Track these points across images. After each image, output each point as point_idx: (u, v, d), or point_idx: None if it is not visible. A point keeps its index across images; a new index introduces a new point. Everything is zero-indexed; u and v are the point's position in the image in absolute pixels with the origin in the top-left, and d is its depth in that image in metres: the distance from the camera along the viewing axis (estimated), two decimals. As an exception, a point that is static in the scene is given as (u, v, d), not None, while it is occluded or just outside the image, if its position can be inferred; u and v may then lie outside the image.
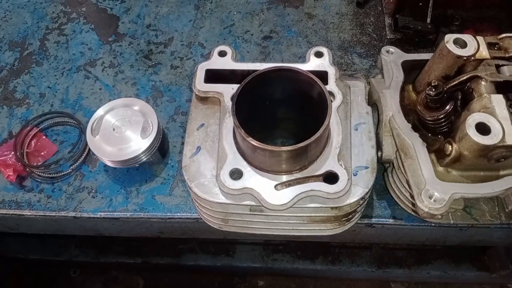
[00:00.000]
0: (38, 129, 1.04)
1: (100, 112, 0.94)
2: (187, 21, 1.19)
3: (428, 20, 1.07)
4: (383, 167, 0.88)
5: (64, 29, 1.21)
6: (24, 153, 1.01)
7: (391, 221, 0.91)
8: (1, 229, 1.07)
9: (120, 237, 1.52)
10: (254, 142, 0.71)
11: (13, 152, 0.99)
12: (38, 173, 0.98)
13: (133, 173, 0.97)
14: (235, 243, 1.53)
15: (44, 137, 1.03)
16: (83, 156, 1.00)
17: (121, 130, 0.92)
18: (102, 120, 0.93)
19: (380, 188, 0.92)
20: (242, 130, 0.71)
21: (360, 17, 1.17)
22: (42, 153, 1.01)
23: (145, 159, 0.92)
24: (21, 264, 1.60)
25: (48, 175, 0.98)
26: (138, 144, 0.90)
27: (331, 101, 0.72)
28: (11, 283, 1.61)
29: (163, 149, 0.97)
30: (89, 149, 0.97)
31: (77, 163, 0.99)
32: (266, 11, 1.20)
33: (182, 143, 1.00)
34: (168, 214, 0.94)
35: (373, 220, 0.91)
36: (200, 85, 0.87)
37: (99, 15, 1.22)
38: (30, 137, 1.03)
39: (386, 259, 1.47)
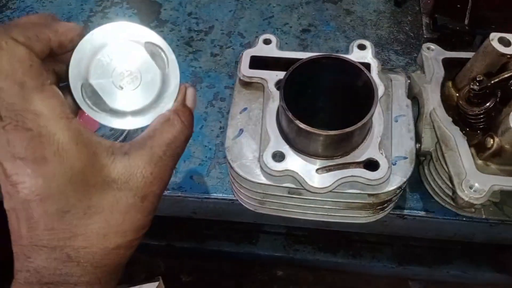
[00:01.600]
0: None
1: (86, 46, 0.52)
2: (227, 11, 1.23)
3: (466, 22, 1.09)
4: (418, 161, 0.90)
5: (108, 13, 1.25)
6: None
7: (422, 213, 0.93)
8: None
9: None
10: (301, 125, 0.74)
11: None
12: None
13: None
14: (258, 231, 1.56)
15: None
16: (123, 134, 1.03)
17: (125, 81, 0.53)
18: (92, 62, 0.52)
19: (414, 182, 0.94)
20: (290, 112, 0.74)
21: (397, 16, 1.19)
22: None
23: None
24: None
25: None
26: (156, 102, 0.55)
27: (377, 90, 0.75)
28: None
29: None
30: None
31: (119, 140, 1.02)
32: (305, 5, 1.22)
33: (220, 128, 1.04)
34: (204, 194, 0.97)
35: (405, 211, 0.93)
36: (245, 70, 0.90)
37: (142, 1, 1.26)
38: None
39: (407, 256, 1.49)
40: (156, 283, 1.24)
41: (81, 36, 0.51)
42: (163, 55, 0.56)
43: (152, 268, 1.71)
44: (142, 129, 0.53)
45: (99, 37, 0.53)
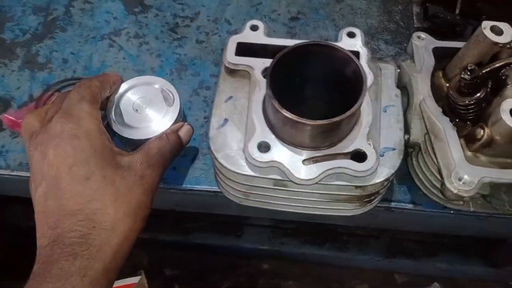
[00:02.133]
0: (59, 94, 1.04)
1: (120, 89, 0.90)
2: (214, -3, 1.19)
3: (457, 12, 1.07)
4: (406, 152, 0.88)
5: (90, -2, 1.20)
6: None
7: (410, 206, 0.91)
8: (16, 193, 1.07)
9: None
10: (288, 114, 0.71)
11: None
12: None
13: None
14: (244, 224, 1.54)
15: None
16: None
17: (142, 109, 0.88)
18: (123, 97, 0.89)
19: (401, 174, 0.92)
20: (276, 101, 0.72)
21: (388, 4, 1.17)
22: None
23: None
24: (24, 234, 1.60)
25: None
26: (158, 124, 0.87)
27: (366, 79, 0.72)
28: (10, 252, 1.61)
29: None
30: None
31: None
32: (294, -8, 1.19)
33: (205, 117, 1.01)
34: (188, 186, 0.94)
35: (393, 204, 0.92)
36: (231, 57, 0.87)
37: (125, -15, 1.22)
38: (51, 101, 1.03)
39: (394, 249, 1.49)
40: (138, 278, 1.22)
41: (119, 83, 0.89)
42: (172, 97, 0.90)
43: (136, 262, 1.68)
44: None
45: (130, 83, 0.91)
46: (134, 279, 1.23)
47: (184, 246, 1.57)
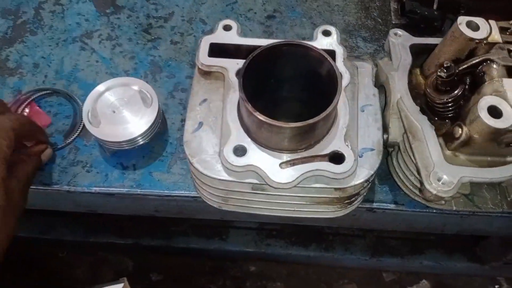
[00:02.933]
0: (31, 99, 1.01)
1: (98, 89, 0.90)
2: (188, -4, 1.16)
3: (435, 7, 1.06)
4: (387, 152, 0.87)
5: (61, -1, 1.17)
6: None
7: (392, 206, 0.90)
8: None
9: (111, 218, 1.49)
10: (261, 117, 0.69)
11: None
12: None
13: (129, 149, 0.94)
14: (228, 227, 1.52)
15: (37, 107, 1.00)
16: (78, 130, 0.97)
17: (120, 110, 0.89)
18: (100, 98, 0.89)
19: (382, 174, 0.91)
20: (249, 104, 0.69)
21: (365, 1, 1.15)
22: (35, 125, 0.99)
23: (141, 142, 0.90)
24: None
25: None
26: (135, 126, 0.88)
27: (341, 78, 0.70)
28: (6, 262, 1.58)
29: (160, 133, 0.94)
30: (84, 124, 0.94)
31: (73, 137, 0.96)
32: (270, -10, 1.17)
33: (181, 120, 0.98)
34: (165, 191, 0.92)
35: (375, 204, 0.90)
36: (204, 58, 0.85)
37: (97, -14, 1.18)
38: (22, 108, 0.99)
39: (380, 248, 1.48)
40: (121, 285, 1.18)
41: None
42: (150, 98, 0.90)
43: (120, 268, 1.66)
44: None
45: (107, 84, 0.91)
46: (117, 287, 1.20)
47: (169, 250, 1.55)
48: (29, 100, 1.00)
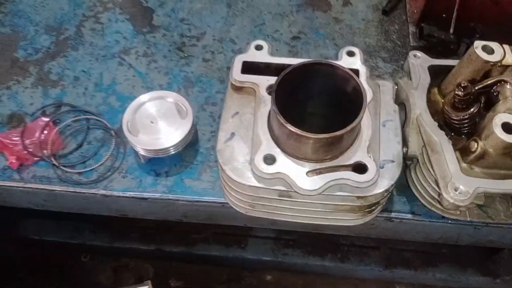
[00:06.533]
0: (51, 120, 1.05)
1: (138, 101, 0.98)
2: (219, 17, 1.24)
3: (451, 31, 1.12)
4: (405, 165, 0.92)
5: (100, 18, 1.25)
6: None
7: (409, 216, 0.95)
8: (27, 205, 1.10)
9: (136, 224, 1.56)
10: (293, 128, 0.75)
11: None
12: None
13: (163, 157, 1.01)
14: (248, 236, 1.57)
15: (57, 133, 1.04)
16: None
17: (157, 121, 0.96)
18: (140, 109, 0.97)
19: (400, 186, 0.96)
20: (281, 116, 0.76)
21: (385, 24, 1.23)
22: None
23: (175, 151, 0.96)
24: (35, 245, 1.63)
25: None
26: (171, 136, 0.95)
27: (366, 95, 0.77)
28: (23, 264, 1.64)
29: (192, 143, 1.01)
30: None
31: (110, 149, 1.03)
32: (296, 13, 1.25)
33: (211, 132, 1.05)
34: (195, 197, 0.98)
35: (393, 214, 0.95)
36: (237, 75, 0.92)
37: (134, 6, 1.27)
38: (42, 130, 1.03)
39: (394, 260, 1.51)
40: (146, 287, 1.24)
41: None
42: (185, 110, 0.98)
43: (141, 273, 1.71)
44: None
45: (147, 96, 0.99)
46: (142, 288, 1.25)
47: (189, 258, 1.60)
48: (49, 122, 1.05)
